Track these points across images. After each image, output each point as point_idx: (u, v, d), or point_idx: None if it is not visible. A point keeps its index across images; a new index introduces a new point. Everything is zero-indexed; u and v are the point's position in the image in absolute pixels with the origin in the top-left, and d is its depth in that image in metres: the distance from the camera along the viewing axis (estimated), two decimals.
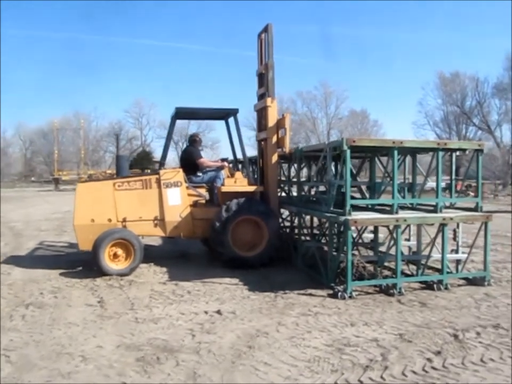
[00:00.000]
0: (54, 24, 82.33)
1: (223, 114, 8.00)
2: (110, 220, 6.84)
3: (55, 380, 3.34)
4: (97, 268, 6.46)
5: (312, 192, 7.90)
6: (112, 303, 5.23)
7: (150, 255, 8.12)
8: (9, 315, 4.80)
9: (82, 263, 7.18)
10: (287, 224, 8.62)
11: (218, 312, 4.87)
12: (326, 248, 6.97)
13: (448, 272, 6.03)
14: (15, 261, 7.63)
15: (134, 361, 3.67)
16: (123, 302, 5.28)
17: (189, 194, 7.25)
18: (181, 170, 7.28)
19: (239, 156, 8.05)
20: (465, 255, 6.35)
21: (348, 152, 5.48)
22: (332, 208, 5.98)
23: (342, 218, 5.47)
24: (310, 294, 5.57)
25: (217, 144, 56.09)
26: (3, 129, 58.62)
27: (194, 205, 7.27)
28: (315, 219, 8.40)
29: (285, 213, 8.61)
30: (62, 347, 3.95)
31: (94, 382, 3.32)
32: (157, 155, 43.99)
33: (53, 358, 3.73)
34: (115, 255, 6.55)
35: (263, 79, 7.63)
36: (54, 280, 6.33)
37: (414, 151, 6.71)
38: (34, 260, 7.79)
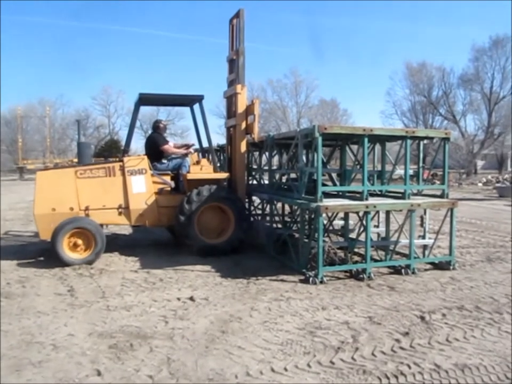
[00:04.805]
0: (19, 8, 79.18)
1: (188, 101, 7.90)
2: (72, 209, 6.69)
3: (25, 369, 3.29)
4: (57, 258, 6.33)
5: (284, 180, 7.96)
6: (82, 292, 5.16)
7: (120, 244, 8.06)
8: None
9: (50, 253, 7.02)
10: (259, 211, 8.65)
11: (191, 298, 4.88)
12: (297, 235, 7.05)
13: (415, 257, 6.20)
14: None
15: (106, 348, 3.65)
16: (94, 291, 5.22)
17: (154, 182, 7.16)
18: (145, 157, 7.17)
19: (205, 143, 7.98)
20: (432, 241, 6.55)
21: (320, 139, 5.53)
22: (303, 195, 6.05)
23: (314, 204, 5.54)
24: (282, 280, 5.63)
25: (186, 133, 55.62)
26: None
27: (160, 192, 7.19)
28: (286, 206, 8.48)
29: (257, 200, 8.64)
30: (32, 336, 3.88)
31: (66, 370, 3.28)
32: None
33: (22, 347, 3.67)
34: (75, 245, 6.45)
35: (233, 65, 7.59)
36: (21, 269, 6.18)
37: (383, 139, 6.84)
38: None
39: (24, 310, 4.54)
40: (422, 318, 4.34)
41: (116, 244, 7.96)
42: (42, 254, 7.01)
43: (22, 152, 42.87)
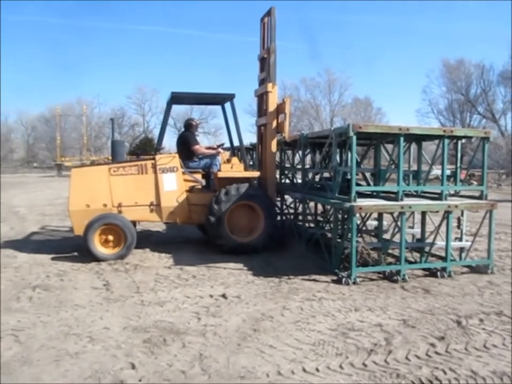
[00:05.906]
0: (54, 9, 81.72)
1: (219, 99, 7.94)
2: (105, 205, 6.82)
3: (63, 360, 3.39)
4: (89, 253, 6.48)
5: (317, 179, 7.90)
6: (118, 287, 5.28)
7: (155, 240, 8.20)
8: (16, 297, 4.84)
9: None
10: (291, 211, 8.63)
11: (224, 296, 4.92)
12: (330, 235, 6.99)
13: (451, 260, 6.05)
14: (21, 244, 7.68)
15: (140, 342, 3.72)
16: (129, 286, 5.33)
17: (185, 180, 7.23)
18: (177, 155, 7.24)
19: (236, 142, 7.98)
20: (469, 243, 6.37)
21: (354, 138, 5.46)
22: (336, 195, 5.99)
23: (348, 204, 5.48)
24: (314, 280, 5.60)
25: (219, 131, 56.10)
26: (6, 115, 58.77)
27: (191, 190, 7.25)
28: (319, 206, 8.42)
29: (289, 199, 8.62)
30: (69, 328, 4.00)
31: (102, 362, 3.36)
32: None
33: (60, 338, 3.78)
34: (107, 241, 6.59)
35: (264, 64, 7.57)
36: (59, 263, 6.37)
37: (419, 139, 6.69)
38: (39, 244, 7.83)
39: (62, 303, 4.68)
40: (458, 323, 4.22)
41: (149, 240, 8.10)
42: (77, 249, 7.18)
43: (60, 150, 44.22)
